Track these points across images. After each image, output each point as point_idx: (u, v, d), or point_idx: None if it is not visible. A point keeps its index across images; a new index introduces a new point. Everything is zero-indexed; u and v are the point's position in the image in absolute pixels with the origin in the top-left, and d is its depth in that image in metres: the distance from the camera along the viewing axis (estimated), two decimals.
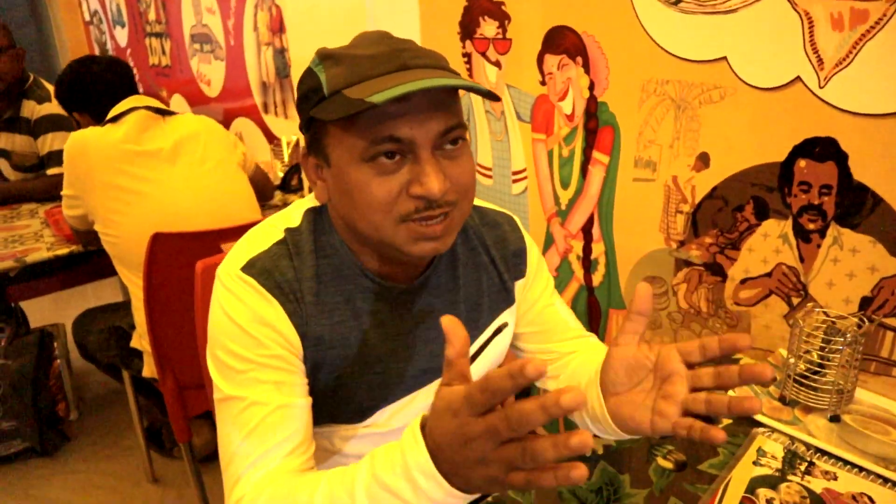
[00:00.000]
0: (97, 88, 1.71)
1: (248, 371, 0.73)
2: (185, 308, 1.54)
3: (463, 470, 0.53)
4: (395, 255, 0.75)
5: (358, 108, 0.63)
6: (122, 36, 3.96)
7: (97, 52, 4.48)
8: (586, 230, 1.42)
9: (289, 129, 2.47)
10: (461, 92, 0.73)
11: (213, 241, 1.49)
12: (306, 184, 2.09)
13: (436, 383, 0.86)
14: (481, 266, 0.88)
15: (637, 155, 1.26)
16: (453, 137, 0.69)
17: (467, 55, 1.55)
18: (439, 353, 0.85)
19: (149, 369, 1.68)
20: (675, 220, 1.24)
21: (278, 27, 2.32)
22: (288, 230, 0.78)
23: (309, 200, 0.83)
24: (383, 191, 0.68)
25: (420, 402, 0.86)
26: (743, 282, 1.17)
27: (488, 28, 1.47)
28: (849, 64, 0.94)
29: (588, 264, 1.44)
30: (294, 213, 0.81)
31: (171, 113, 1.71)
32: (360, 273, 0.79)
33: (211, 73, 2.97)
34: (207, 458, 2.07)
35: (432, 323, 0.84)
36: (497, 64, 1.49)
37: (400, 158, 0.68)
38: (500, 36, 1.45)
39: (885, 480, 0.85)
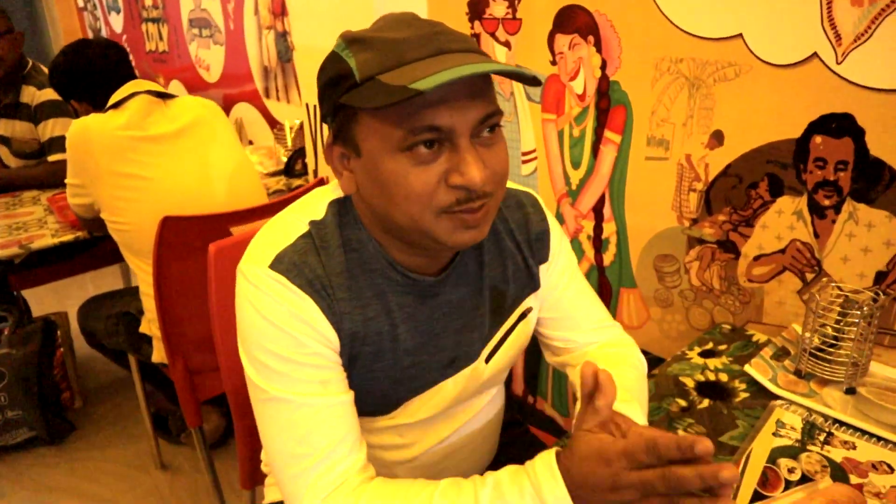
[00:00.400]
0: (94, 74, 1.66)
1: (291, 372, 0.71)
2: (196, 292, 1.54)
3: None
4: (430, 246, 0.73)
5: (402, 95, 0.60)
6: (117, 22, 3.92)
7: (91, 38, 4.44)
8: (597, 210, 1.42)
9: (291, 114, 2.46)
10: None
11: (223, 224, 1.49)
12: (310, 168, 2.09)
13: (462, 372, 0.85)
14: (506, 252, 0.87)
15: (650, 134, 1.26)
16: (491, 124, 0.67)
17: (476, 36, 1.54)
18: (467, 342, 0.84)
19: (158, 354, 1.68)
20: (687, 199, 1.24)
21: (280, 10, 2.30)
22: (313, 223, 0.75)
23: (331, 191, 0.79)
24: (421, 182, 0.65)
25: (447, 392, 0.85)
26: (756, 258, 1.17)
27: (497, 8, 1.46)
28: (867, 39, 0.94)
29: (599, 244, 1.45)
30: (316, 204, 0.78)
31: (171, 96, 1.70)
32: (389, 267, 0.77)
33: (210, 58, 2.95)
34: (214, 445, 2.07)
35: (459, 313, 0.83)
36: (507, 44, 1.48)
37: (438, 147, 0.65)
38: (509, 16, 1.45)
39: None
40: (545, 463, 0.64)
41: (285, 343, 0.71)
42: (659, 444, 0.56)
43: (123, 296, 1.92)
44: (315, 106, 1.93)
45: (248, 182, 1.72)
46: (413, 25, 0.66)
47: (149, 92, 1.62)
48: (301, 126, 2.32)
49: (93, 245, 2.03)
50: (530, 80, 0.67)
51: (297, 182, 2.22)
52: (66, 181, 1.65)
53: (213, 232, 1.41)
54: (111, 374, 2.54)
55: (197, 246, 1.49)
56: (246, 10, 2.54)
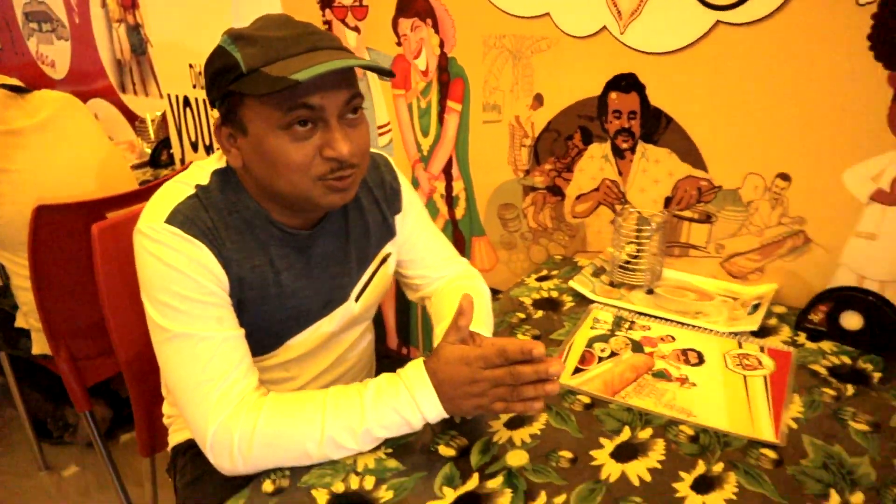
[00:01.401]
0: None
1: (191, 309, 0.82)
2: (75, 278, 1.57)
3: (459, 401, 0.80)
4: (306, 208, 0.89)
5: (284, 84, 0.74)
6: None
7: None
8: (447, 171, 1.63)
9: (151, 106, 2.46)
10: None
11: (98, 211, 1.51)
12: (177, 157, 2.13)
13: (336, 311, 1.01)
14: (366, 207, 1.03)
15: (484, 101, 1.48)
16: (354, 106, 0.83)
17: (328, 23, 1.69)
18: (339, 286, 1.01)
19: (39, 346, 1.69)
20: (520, 153, 1.47)
21: (130, 2, 2.30)
22: (199, 186, 0.87)
23: (215, 161, 0.92)
24: (300, 155, 0.80)
25: (324, 329, 1.00)
26: (578, 198, 1.43)
27: None
28: (640, 14, 1.20)
29: (450, 201, 1.66)
30: (200, 172, 0.90)
31: (27, 90, 1.69)
32: (269, 224, 0.90)
33: (54, 54, 2.84)
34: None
35: (331, 261, 0.98)
36: (356, 29, 1.64)
37: (312, 126, 0.80)
38: (357, 3, 1.61)
39: (682, 324, 1.13)
40: (414, 367, 0.83)
41: (186, 284, 0.83)
42: (507, 350, 0.76)
43: None
44: (178, 96, 1.98)
45: (119, 171, 1.76)
46: (288, 26, 0.81)
47: (3, 86, 1.62)
48: (163, 117, 2.34)
49: None
50: (386, 73, 0.85)
51: (164, 172, 2.25)
52: None
53: (89, 218, 1.44)
54: None
55: (73, 233, 1.52)
56: (92, 3, 2.49)
